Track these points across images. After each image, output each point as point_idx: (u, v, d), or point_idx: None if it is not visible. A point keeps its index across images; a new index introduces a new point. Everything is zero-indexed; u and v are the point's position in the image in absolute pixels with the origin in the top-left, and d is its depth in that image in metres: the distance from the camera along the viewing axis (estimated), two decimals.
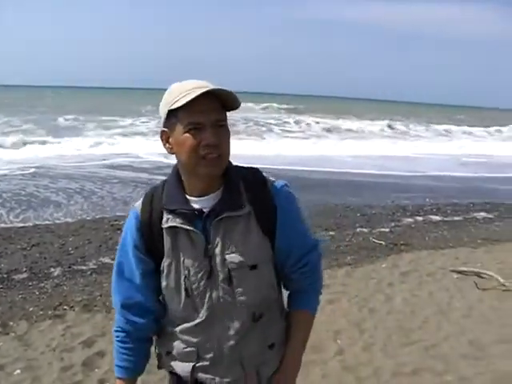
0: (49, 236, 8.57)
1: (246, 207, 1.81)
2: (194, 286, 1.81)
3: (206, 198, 1.81)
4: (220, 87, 1.67)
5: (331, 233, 9.51)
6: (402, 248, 8.49)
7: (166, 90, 1.80)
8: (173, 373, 2.01)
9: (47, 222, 9.68)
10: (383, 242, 8.77)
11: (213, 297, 1.82)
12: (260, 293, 1.87)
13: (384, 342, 5.01)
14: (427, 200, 13.02)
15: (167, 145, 1.80)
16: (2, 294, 6.18)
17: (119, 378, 2.00)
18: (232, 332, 1.86)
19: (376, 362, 4.61)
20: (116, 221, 9.51)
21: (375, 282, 6.75)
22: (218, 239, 1.79)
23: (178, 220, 1.79)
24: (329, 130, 34.16)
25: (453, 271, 7.15)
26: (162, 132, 1.80)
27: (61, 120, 32.66)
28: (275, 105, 57.52)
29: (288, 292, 2.08)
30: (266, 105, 56.24)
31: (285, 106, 57.30)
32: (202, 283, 1.81)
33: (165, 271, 1.85)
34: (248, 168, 1.92)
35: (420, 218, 10.97)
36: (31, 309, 5.68)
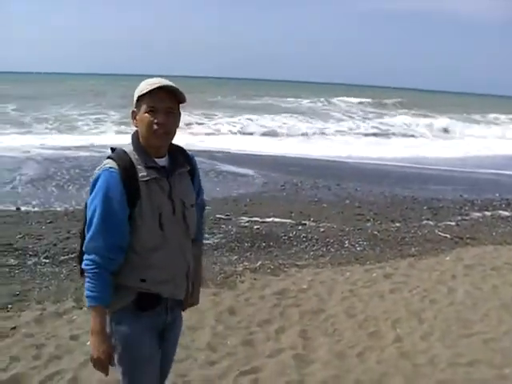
0: None
1: (187, 166, 2.62)
2: (165, 221, 2.47)
3: (162, 159, 2.52)
4: (171, 84, 2.42)
5: (397, 224, 9.53)
6: (468, 242, 8.45)
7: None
8: (144, 293, 2.51)
9: None
10: (449, 235, 8.75)
11: (176, 228, 2.52)
12: (195, 223, 2.67)
13: (443, 333, 5.07)
14: (497, 195, 12.79)
15: (134, 121, 2.50)
16: (75, 272, 6.55)
17: (99, 307, 2.44)
18: (186, 253, 2.61)
19: (433, 351, 4.70)
20: None
21: (438, 274, 6.79)
22: (177, 187, 2.53)
23: (154, 173, 2.45)
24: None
25: None
26: (133, 112, 2.51)
27: None
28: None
29: None
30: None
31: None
32: (169, 218, 2.48)
33: (143, 212, 2.42)
34: (177, 144, 2.65)
35: (488, 213, 10.82)
36: None
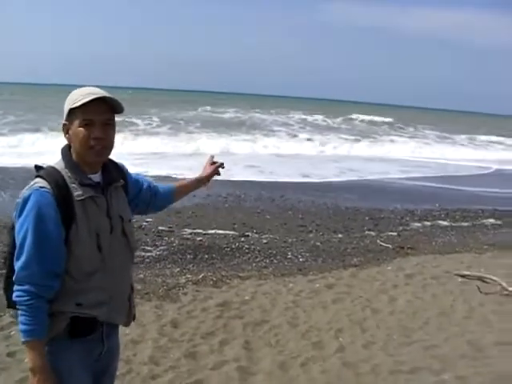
0: None
1: (121, 180, 2.44)
2: (104, 242, 2.28)
3: (96, 175, 2.32)
4: (109, 95, 2.22)
5: (339, 235, 9.62)
6: (409, 251, 8.60)
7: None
8: (78, 318, 2.26)
9: None
10: (390, 245, 8.89)
11: (115, 246, 2.34)
12: (134, 237, 2.51)
13: (384, 341, 5.10)
14: (436, 205, 13.07)
15: (67, 135, 2.29)
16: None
17: (38, 340, 2.18)
18: (127, 273, 2.47)
19: (375, 360, 4.71)
20: None
21: (380, 284, 6.86)
22: (113, 202, 2.36)
23: (90, 191, 2.26)
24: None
25: (457, 275, 7.23)
26: (64, 125, 2.28)
27: None
28: None
29: None
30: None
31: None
32: (107, 239, 2.30)
33: (79, 235, 2.22)
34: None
35: (428, 223, 11.06)
36: None
